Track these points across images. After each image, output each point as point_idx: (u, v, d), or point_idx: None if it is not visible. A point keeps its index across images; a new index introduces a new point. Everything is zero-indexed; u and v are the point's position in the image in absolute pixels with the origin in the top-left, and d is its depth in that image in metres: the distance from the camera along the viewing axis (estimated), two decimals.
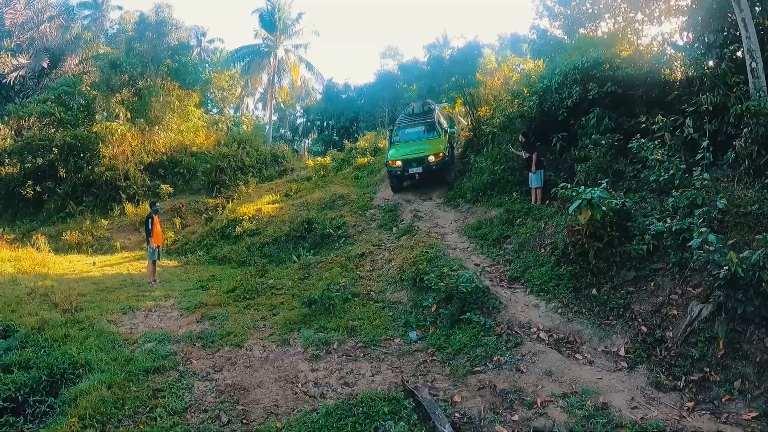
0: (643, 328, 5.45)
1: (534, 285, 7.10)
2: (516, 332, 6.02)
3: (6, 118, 19.13)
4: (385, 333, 6.69)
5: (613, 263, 6.35)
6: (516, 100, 12.62)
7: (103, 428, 4.37)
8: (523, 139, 10.59)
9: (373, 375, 5.59)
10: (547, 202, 9.79)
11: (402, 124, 15.38)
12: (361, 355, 6.14)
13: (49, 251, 14.22)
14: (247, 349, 6.46)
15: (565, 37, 13.22)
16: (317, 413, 4.61)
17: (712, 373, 4.63)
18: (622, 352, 5.33)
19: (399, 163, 13.44)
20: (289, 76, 36.01)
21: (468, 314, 6.29)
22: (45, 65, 22.46)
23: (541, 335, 5.95)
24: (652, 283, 5.90)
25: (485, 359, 5.51)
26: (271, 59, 32.73)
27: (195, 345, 6.67)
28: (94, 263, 13.13)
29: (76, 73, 22.00)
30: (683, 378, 4.74)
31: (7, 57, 21.77)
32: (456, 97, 16.96)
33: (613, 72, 9.38)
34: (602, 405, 4.40)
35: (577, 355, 5.46)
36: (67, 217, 17.97)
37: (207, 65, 36.07)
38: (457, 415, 4.58)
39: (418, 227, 10.92)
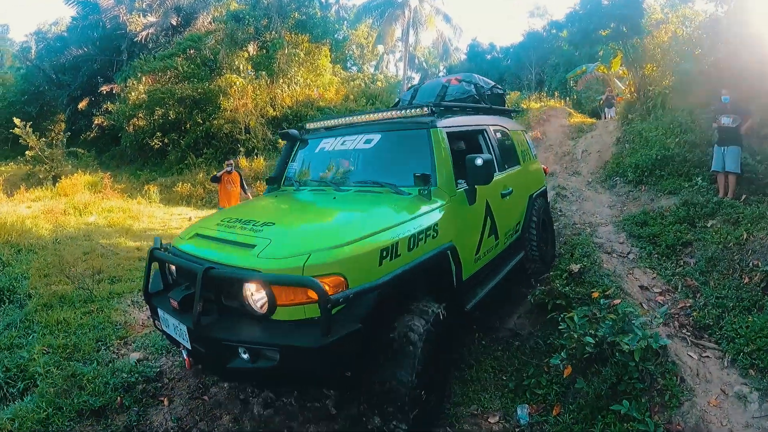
0: None
1: (735, 348, 3.70)
2: None
3: (138, 74, 19.94)
4: (478, 401, 3.59)
5: None
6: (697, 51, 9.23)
7: None
8: (728, 97, 7.10)
9: None
10: (743, 196, 6.74)
11: (332, 126, 4.46)
12: None
13: (160, 202, 14.30)
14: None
15: None
16: None
17: None
18: None
19: (172, 267, 3.21)
20: (425, 29, 33.60)
21: (625, 404, 3.00)
22: (174, 23, 23.06)
23: None
24: None
25: None
26: (405, 11, 30.43)
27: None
28: (189, 218, 12.68)
29: (210, 30, 22.26)
30: None
31: (138, 17, 22.74)
32: (616, 49, 13.95)
33: None
34: None
35: None
36: (185, 168, 18.35)
37: (345, 22, 35.36)
38: None
39: (560, 210, 8.27)
